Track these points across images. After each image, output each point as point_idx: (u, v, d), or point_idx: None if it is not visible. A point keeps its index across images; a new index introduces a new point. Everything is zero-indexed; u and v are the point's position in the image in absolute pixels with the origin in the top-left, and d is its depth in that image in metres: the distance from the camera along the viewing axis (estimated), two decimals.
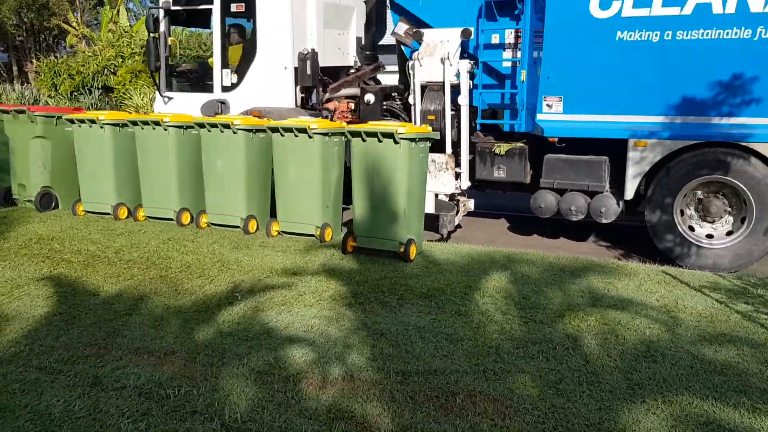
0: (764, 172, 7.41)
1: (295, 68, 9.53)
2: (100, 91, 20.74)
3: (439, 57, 8.63)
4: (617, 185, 8.18)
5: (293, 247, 7.91)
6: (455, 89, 8.71)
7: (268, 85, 9.62)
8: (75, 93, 20.82)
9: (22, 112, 9.53)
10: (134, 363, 4.79)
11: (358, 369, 4.73)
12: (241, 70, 9.81)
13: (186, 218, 8.91)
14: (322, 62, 9.66)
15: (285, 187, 8.25)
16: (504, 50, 8.78)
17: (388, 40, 11.00)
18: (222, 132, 8.38)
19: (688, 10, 7.33)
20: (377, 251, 7.59)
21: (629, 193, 7.98)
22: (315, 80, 9.52)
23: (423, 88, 8.92)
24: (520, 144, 8.72)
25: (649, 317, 5.71)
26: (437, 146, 8.45)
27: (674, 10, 7.40)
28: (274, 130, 8.15)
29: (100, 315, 5.72)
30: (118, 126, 9.13)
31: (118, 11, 24.18)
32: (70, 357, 4.87)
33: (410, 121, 9.35)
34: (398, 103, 10.01)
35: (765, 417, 4.10)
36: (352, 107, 10.31)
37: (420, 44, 8.94)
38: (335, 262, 7.32)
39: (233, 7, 9.72)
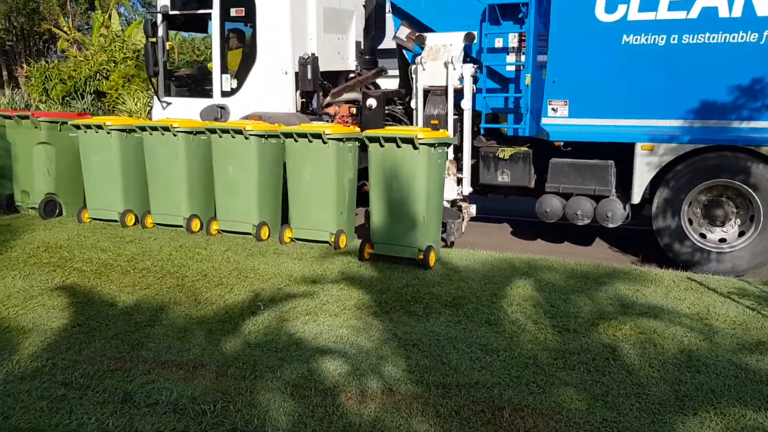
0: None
1: (296, 73, 9.39)
2: (93, 96, 20.47)
3: (442, 61, 8.52)
4: (623, 189, 8.12)
5: (308, 254, 7.75)
6: (458, 93, 8.62)
7: (269, 89, 9.46)
8: (67, 98, 20.55)
9: (26, 117, 9.32)
10: (164, 377, 4.61)
11: (397, 382, 4.58)
12: (240, 75, 9.65)
13: (196, 225, 8.73)
14: (322, 67, 9.52)
15: (298, 194, 8.09)
16: (508, 54, 8.71)
17: (386, 44, 10.90)
18: (234, 137, 8.21)
19: (694, 13, 7.29)
20: (395, 258, 7.45)
21: (636, 197, 7.91)
22: (316, 85, 9.39)
23: (426, 92, 8.81)
24: (524, 148, 8.63)
25: (683, 325, 5.60)
26: None
27: (680, 14, 7.35)
28: (288, 135, 7.99)
29: (120, 326, 5.53)
30: (126, 131, 8.94)
31: (109, 16, 23.92)
32: (96, 371, 4.68)
33: (412, 125, 9.22)
34: (400, 107, 9.90)
35: None
36: (354, 112, 10.16)
37: (422, 48, 8.84)
38: (354, 270, 7.16)
39: (233, 12, 9.57)
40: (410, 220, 7.26)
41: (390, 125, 9.46)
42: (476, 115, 8.88)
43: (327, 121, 9.62)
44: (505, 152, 8.65)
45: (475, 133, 8.91)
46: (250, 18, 9.49)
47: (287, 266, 7.24)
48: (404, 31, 9.36)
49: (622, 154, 7.95)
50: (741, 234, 7.70)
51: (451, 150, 8.61)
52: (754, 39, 7.08)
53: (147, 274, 6.93)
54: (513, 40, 8.62)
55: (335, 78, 10.25)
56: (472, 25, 8.74)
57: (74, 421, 4.02)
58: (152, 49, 9.79)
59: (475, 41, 8.67)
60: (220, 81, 9.72)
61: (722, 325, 5.64)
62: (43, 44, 30.08)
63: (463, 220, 8.76)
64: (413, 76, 8.89)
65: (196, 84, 10.45)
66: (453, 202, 8.75)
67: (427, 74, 8.67)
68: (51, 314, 5.81)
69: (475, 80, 8.72)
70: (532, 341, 5.29)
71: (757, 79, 7.14)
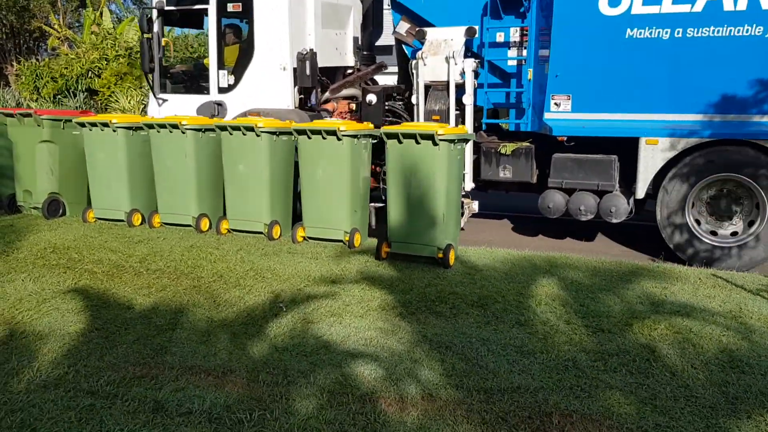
0: None
1: (294, 69, 9.20)
2: (85, 94, 20.20)
3: (443, 56, 8.40)
4: (626, 184, 8.04)
5: (323, 253, 7.57)
6: (460, 89, 8.49)
7: (267, 86, 9.27)
8: (58, 96, 20.26)
9: (28, 115, 9.08)
10: (193, 384, 4.42)
11: (436, 386, 4.41)
12: (238, 71, 9.44)
13: (205, 224, 8.54)
14: (320, 62, 9.34)
15: (312, 192, 7.91)
16: (509, 49, 8.63)
17: (384, 40, 10.75)
18: (245, 134, 8.01)
19: (698, 7, 7.23)
20: (411, 257, 7.30)
21: (641, 192, 7.82)
22: (314, 81, 9.21)
23: (427, 87, 8.69)
24: (526, 143, 8.53)
25: (718, 324, 5.47)
26: None
27: (685, 8, 7.29)
28: (301, 132, 7.81)
29: (140, 330, 5.34)
30: (132, 129, 8.73)
31: (101, 13, 23.61)
32: (122, 379, 4.49)
33: (412, 121, 9.10)
34: (400, 103, 9.76)
35: None
36: (353, 108, 10.00)
37: (422, 43, 8.71)
38: (372, 269, 7.00)
39: (230, 7, 9.36)
40: (429, 218, 7.10)
41: (390, 121, 9.33)
42: (477, 111, 8.77)
43: (325, 118, 9.46)
44: (507, 148, 8.55)
45: (476, 129, 8.79)
46: (247, 13, 9.30)
47: (304, 266, 7.06)
48: (404, 26, 9.23)
49: (625, 148, 7.88)
50: (750, 224, 7.57)
51: None
52: (759, 32, 7.02)
53: (161, 276, 6.74)
54: (515, 35, 8.54)
55: (333, 74, 10.07)
56: (473, 20, 8.63)
57: None
58: (148, 45, 9.59)
59: (477, 36, 8.57)
60: (217, 77, 9.53)
61: (758, 323, 5.51)
62: (34, 42, 29.68)
63: (463, 215, 8.63)
64: (413, 71, 8.79)
65: (193, 80, 10.28)
66: None
67: (428, 69, 8.57)
68: (66, 318, 5.61)
69: (477, 75, 8.60)
70: (567, 342, 5.14)
71: (762, 73, 7.08)
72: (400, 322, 5.54)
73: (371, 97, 9.27)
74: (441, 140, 6.89)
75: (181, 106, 9.59)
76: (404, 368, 4.68)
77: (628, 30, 7.51)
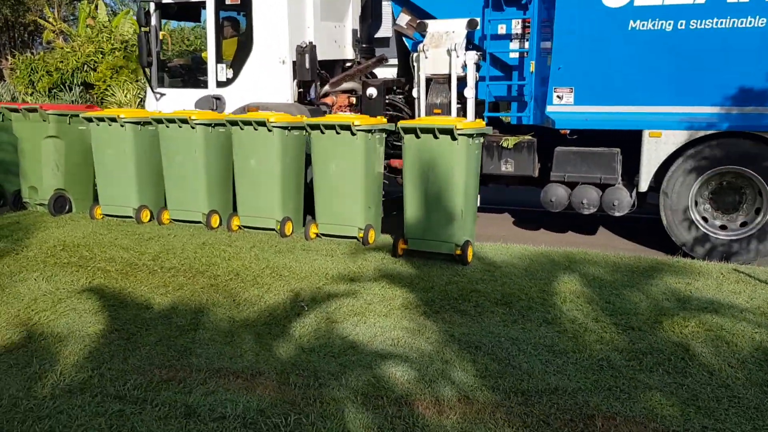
0: None
1: (293, 62, 9.06)
2: (81, 88, 19.96)
3: (445, 49, 8.29)
4: (629, 177, 7.97)
5: (338, 250, 7.46)
6: (461, 81, 8.38)
7: (265, 79, 9.13)
8: (54, 90, 20.01)
9: (34, 110, 8.92)
10: (223, 387, 4.31)
11: (471, 388, 4.31)
12: (236, 65, 9.31)
13: (216, 221, 8.41)
14: (319, 56, 9.20)
15: (325, 188, 7.79)
16: (511, 41, 8.49)
17: (383, 32, 10.61)
18: (256, 130, 7.88)
19: None
20: (428, 254, 7.19)
21: (644, 185, 7.73)
22: (314, 74, 9.09)
23: (428, 80, 8.57)
24: (528, 137, 8.42)
25: (749, 321, 5.39)
26: None
27: None
28: (314, 127, 7.68)
29: (162, 332, 5.22)
30: (140, 124, 8.58)
31: (96, 6, 23.35)
32: (149, 383, 4.37)
33: (413, 115, 9.02)
34: (400, 96, 9.65)
35: None
36: (353, 101, 9.87)
37: (422, 36, 8.59)
38: (390, 267, 6.89)
39: (228, 0, 9.22)
40: (447, 214, 7.00)
41: (390, 115, 9.23)
42: (479, 104, 8.67)
43: (325, 112, 9.35)
44: (509, 141, 8.44)
45: None
46: (245, 6, 9.17)
47: (320, 264, 6.95)
48: (404, 18, 9.10)
49: (628, 141, 7.79)
50: (758, 211, 7.45)
51: None
52: (762, 24, 6.93)
53: (176, 274, 6.61)
54: (516, 27, 8.40)
55: (332, 67, 9.94)
56: (475, 12, 8.51)
57: None
58: (145, 38, 9.45)
59: (478, 28, 8.45)
60: (216, 71, 9.39)
61: None
62: (28, 36, 29.35)
63: None
64: (414, 64, 8.68)
65: (191, 74, 10.15)
66: None
67: (429, 62, 8.46)
68: (84, 319, 5.48)
69: (478, 68, 8.49)
70: (598, 341, 5.05)
71: (766, 64, 6.99)
72: (425, 321, 5.43)
73: (371, 91, 9.16)
74: (460, 135, 6.78)
75: (179, 100, 9.46)
76: (436, 369, 4.58)
77: (631, 22, 7.42)
